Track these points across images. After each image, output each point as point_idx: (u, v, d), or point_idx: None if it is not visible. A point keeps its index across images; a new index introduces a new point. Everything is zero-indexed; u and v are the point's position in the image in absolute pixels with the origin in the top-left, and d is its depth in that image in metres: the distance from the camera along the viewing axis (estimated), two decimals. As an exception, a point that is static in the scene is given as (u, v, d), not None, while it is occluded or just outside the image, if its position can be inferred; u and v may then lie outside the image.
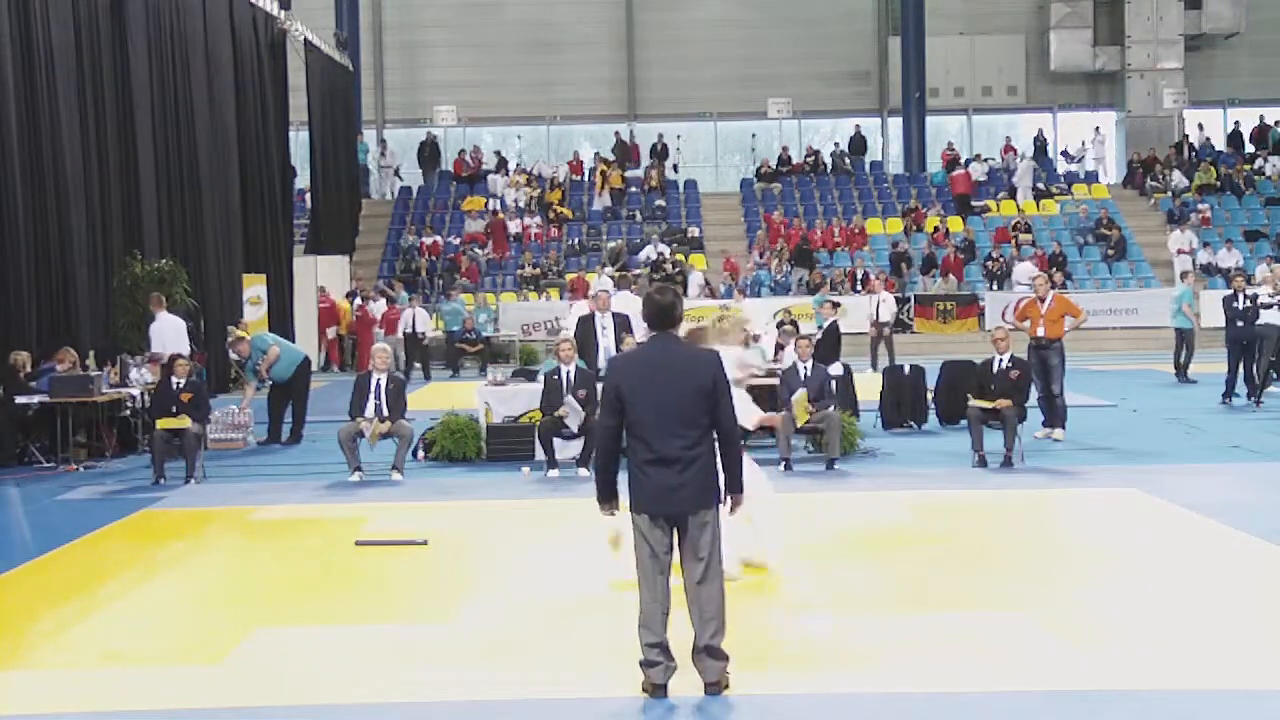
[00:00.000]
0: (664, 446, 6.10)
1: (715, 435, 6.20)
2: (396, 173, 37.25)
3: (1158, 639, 7.07)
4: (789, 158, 37.26)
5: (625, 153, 37.02)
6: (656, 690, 6.19)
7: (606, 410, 6.28)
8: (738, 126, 39.52)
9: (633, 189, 35.74)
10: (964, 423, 14.00)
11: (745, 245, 33.81)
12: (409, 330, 25.57)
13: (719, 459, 6.24)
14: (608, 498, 6.34)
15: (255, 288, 23.62)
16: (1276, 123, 37.11)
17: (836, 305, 18.50)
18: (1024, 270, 30.02)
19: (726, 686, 6.22)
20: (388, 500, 11.80)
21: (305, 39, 28.04)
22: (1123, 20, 37.91)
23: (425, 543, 9.75)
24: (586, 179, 36.46)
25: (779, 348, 21.84)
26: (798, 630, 7.32)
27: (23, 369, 14.50)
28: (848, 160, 37.04)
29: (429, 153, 36.98)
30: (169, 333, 16.39)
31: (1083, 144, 37.77)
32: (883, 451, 14.19)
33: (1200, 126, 37.55)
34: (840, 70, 38.53)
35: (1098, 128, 37.92)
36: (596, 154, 36.82)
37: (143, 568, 9.44)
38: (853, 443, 13.87)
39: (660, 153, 36.76)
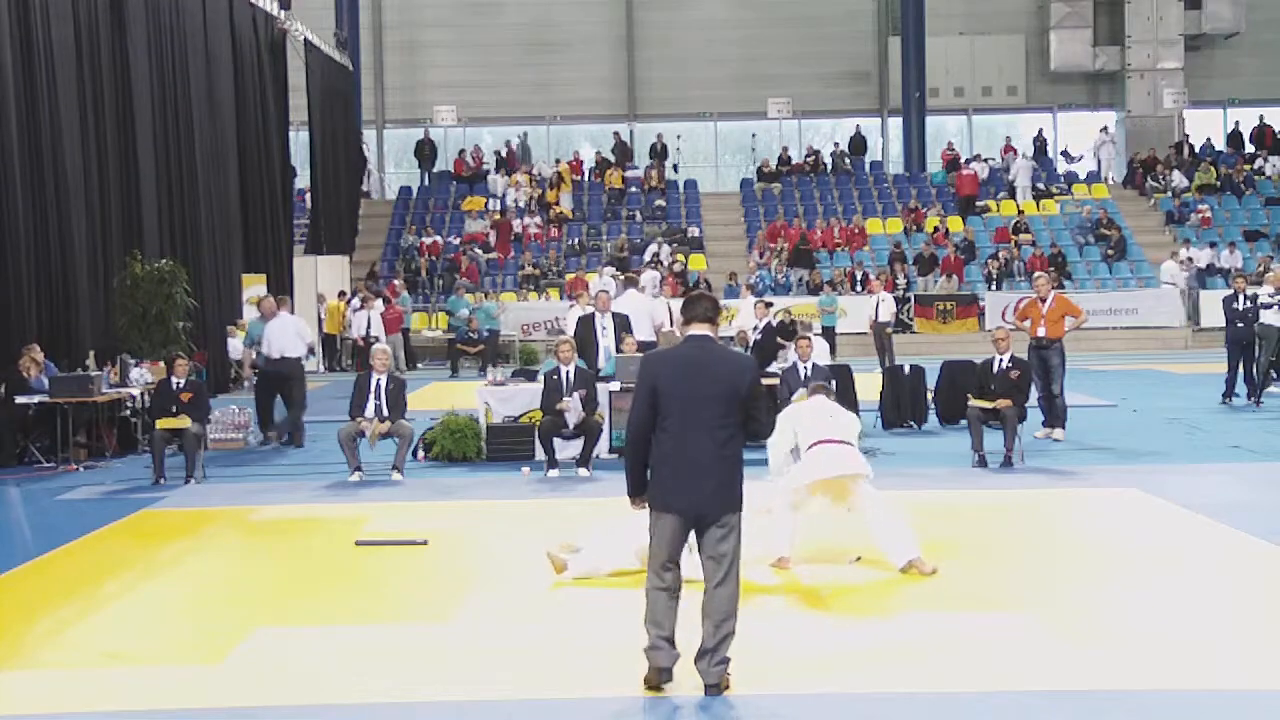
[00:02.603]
0: (694, 447, 6.11)
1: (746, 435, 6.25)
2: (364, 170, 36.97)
3: (1158, 639, 7.07)
4: (789, 158, 37.27)
5: (625, 153, 37.05)
6: (661, 674, 6.20)
7: (640, 405, 6.25)
8: (738, 126, 39.52)
9: (633, 189, 35.76)
10: (964, 423, 13.99)
11: (745, 245, 33.83)
12: (364, 334, 24.40)
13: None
14: (639, 491, 6.32)
15: (255, 288, 23.60)
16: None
17: (770, 305, 18.78)
18: (1170, 270, 29.86)
19: (727, 688, 6.22)
20: (388, 500, 11.79)
21: (305, 39, 28.05)
22: (1123, 20, 37.91)
23: (425, 543, 9.75)
24: (587, 179, 36.51)
25: (779, 348, 21.89)
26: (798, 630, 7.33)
27: (28, 370, 14.49)
28: (848, 160, 37.04)
29: (427, 151, 37.01)
30: (276, 337, 15.69)
31: (1096, 143, 37.75)
32: (883, 451, 14.16)
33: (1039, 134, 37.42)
34: (840, 70, 38.52)
35: (1106, 127, 37.83)
36: (569, 159, 36.82)
37: (143, 568, 9.44)
38: (852, 443, 13.84)
39: (660, 153, 36.78)
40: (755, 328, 18.69)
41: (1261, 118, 37.32)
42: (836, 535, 9.93)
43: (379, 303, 26.82)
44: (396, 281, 30.24)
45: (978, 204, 34.47)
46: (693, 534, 6.28)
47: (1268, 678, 6.41)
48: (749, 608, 7.59)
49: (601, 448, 13.37)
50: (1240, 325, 17.99)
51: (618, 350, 14.92)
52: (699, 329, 6.32)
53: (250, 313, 22.83)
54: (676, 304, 16.57)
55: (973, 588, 8.28)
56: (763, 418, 6.33)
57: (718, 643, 6.17)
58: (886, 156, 38.65)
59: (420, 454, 14.13)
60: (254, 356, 16.36)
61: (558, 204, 35.08)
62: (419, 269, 32.22)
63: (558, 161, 36.81)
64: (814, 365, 13.62)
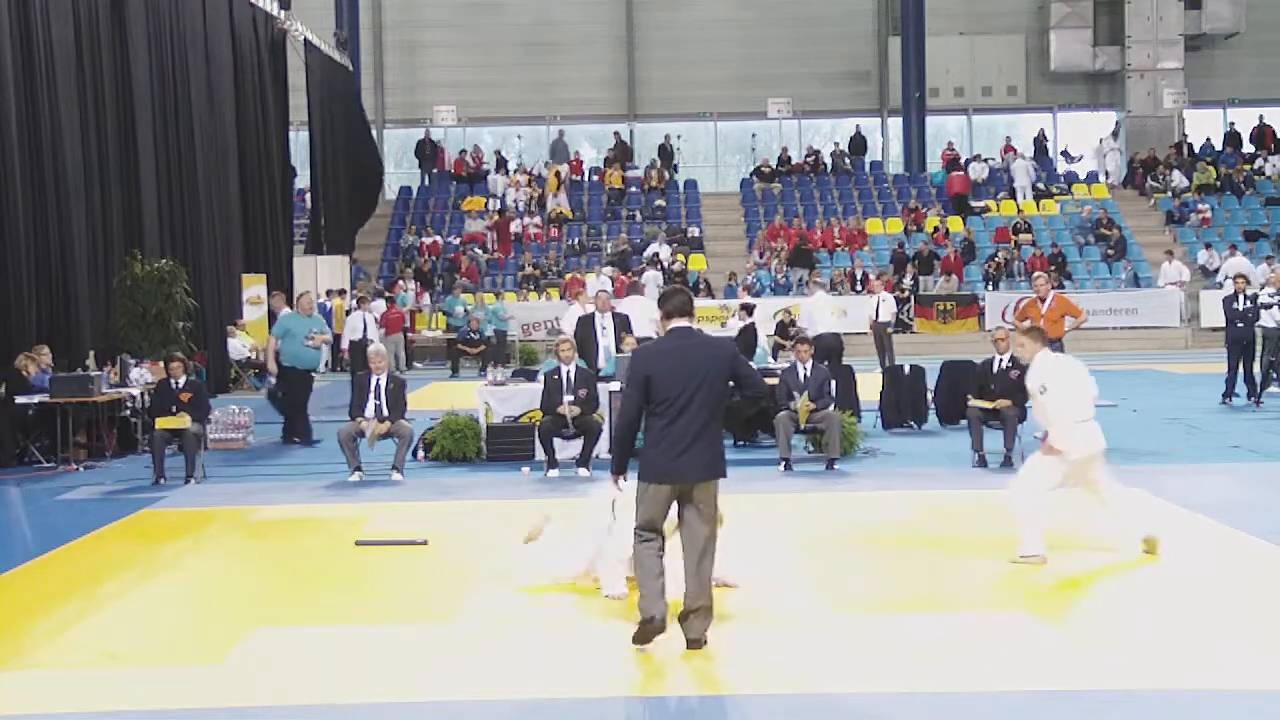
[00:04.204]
0: (684, 426, 6.77)
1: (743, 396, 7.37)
2: None
3: (1158, 639, 7.07)
4: (789, 158, 37.27)
5: (625, 153, 37.04)
6: (649, 624, 6.71)
7: (633, 396, 6.96)
8: (738, 126, 39.53)
9: (633, 189, 35.76)
10: (964, 423, 13.99)
11: (745, 245, 33.84)
12: (356, 338, 22.50)
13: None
14: (622, 470, 7.13)
15: (255, 288, 23.64)
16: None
17: (751, 310, 19.01)
18: (1236, 265, 29.49)
19: (705, 643, 6.74)
20: (388, 500, 11.79)
21: (305, 39, 28.06)
22: (1123, 20, 37.91)
23: (425, 543, 9.75)
24: (587, 179, 36.51)
25: (778, 348, 21.93)
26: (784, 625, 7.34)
27: (26, 369, 14.49)
28: (848, 160, 37.05)
29: (428, 151, 37.01)
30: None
31: (1100, 141, 37.70)
32: (883, 451, 14.18)
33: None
34: (840, 70, 38.52)
35: (1115, 133, 37.76)
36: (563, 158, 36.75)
37: (143, 568, 9.44)
38: (853, 443, 13.87)
39: (667, 154, 36.77)
40: (738, 329, 18.78)
41: (1261, 118, 37.32)
42: (838, 533, 9.94)
43: (379, 303, 26.82)
44: (399, 281, 30.25)
45: (975, 204, 34.47)
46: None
47: (1268, 678, 6.40)
48: (749, 609, 7.60)
49: (601, 447, 13.36)
50: (1240, 325, 18.00)
51: (618, 350, 14.92)
52: (679, 322, 7.06)
53: (250, 313, 22.85)
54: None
55: (973, 588, 8.28)
56: (755, 376, 7.41)
57: (700, 597, 6.76)
58: (886, 156, 38.65)
59: (420, 454, 14.14)
60: (278, 350, 16.04)
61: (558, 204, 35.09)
62: (419, 269, 32.23)
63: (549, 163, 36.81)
64: (813, 367, 13.60)
